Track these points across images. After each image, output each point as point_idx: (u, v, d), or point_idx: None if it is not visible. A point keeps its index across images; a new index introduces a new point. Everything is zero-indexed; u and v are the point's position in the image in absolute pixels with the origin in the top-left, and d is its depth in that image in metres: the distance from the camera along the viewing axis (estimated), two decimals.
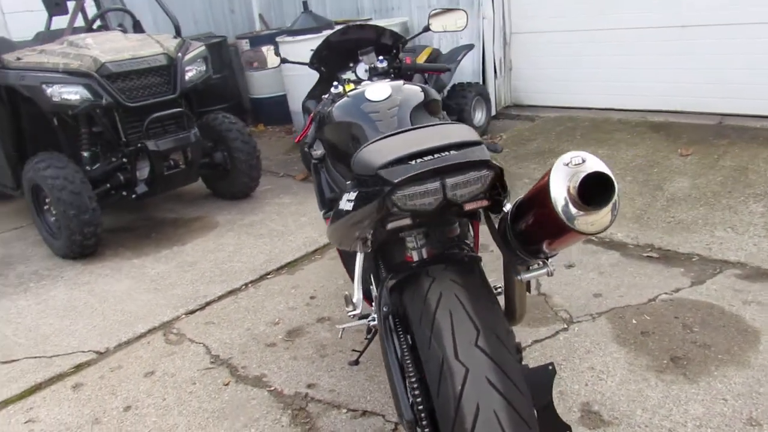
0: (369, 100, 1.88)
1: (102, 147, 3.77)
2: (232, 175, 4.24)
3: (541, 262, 1.36)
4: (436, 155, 1.09)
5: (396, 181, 1.08)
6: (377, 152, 1.18)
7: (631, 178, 3.72)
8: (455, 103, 4.95)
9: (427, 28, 2.46)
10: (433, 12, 2.44)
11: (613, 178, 1.01)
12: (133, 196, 3.76)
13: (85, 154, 3.70)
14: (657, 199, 3.43)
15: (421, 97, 1.91)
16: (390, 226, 1.24)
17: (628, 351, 2.20)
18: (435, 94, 2.06)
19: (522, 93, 5.88)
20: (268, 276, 3.13)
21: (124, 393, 2.28)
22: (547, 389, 1.41)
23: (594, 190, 1.02)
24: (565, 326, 2.40)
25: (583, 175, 1.00)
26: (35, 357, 2.59)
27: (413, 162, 1.10)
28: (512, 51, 5.76)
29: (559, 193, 1.02)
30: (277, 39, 5.38)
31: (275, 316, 2.72)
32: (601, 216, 1.04)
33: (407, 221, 1.22)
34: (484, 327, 1.24)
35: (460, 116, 4.93)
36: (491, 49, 5.56)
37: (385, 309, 1.53)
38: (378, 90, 1.89)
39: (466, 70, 5.58)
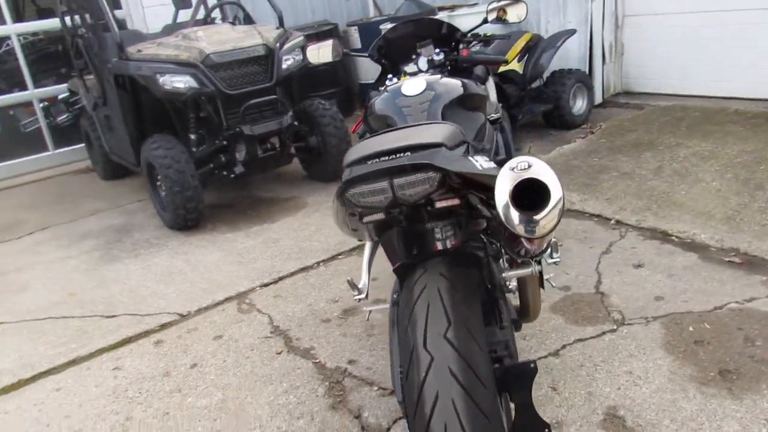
0: (403, 95, 1.95)
1: (207, 130, 4.15)
2: (325, 159, 4.48)
3: (531, 261, 1.38)
4: (392, 156, 1.15)
5: (344, 179, 1.17)
6: (354, 150, 1.27)
7: (731, 176, 3.43)
8: (552, 91, 4.81)
9: (485, 20, 2.47)
10: (491, 7, 2.44)
11: (550, 185, 1.03)
12: (232, 175, 4.12)
13: (192, 136, 4.10)
14: (756, 199, 3.14)
15: (458, 92, 1.95)
16: (365, 219, 1.32)
17: (675, 359, 2.10)
18: (475, 89, 2.08)
19: (633, 79, 5.55)
20: (340, 256, 3.31)
21: (193, 352, 2.57)
22: (526, 386, 1.43)
23: (538, 196, 1.04)
24: (614, 327, 2.33)
25: (518, 180, 1.02)
26: (131, 314, 2.98)
27: (370, 162, 1.17)
28: (624, 34, 5.45)
29: (501, 197, 1.05)
30: (381, 27, 5.52)
31: (336, 295, 2.89)
32: (540, 221, 1.06)
33: (380, 216, 1.30)
34: (456, 320, 1.29)
35: (557, 104, 4.78)
36: (600, 33, 5.30)
37: (394, 296, 1.63)
38: (413, 85, 1.96)
39: (571, 56, 5.38)
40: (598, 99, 5.41)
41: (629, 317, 2.38)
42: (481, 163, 1.28)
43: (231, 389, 2.28)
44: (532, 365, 1.45)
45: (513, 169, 1.08)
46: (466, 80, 2.09)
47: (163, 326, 2.84)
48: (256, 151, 4.04)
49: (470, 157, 1.24)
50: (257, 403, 2.17)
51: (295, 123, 4.25)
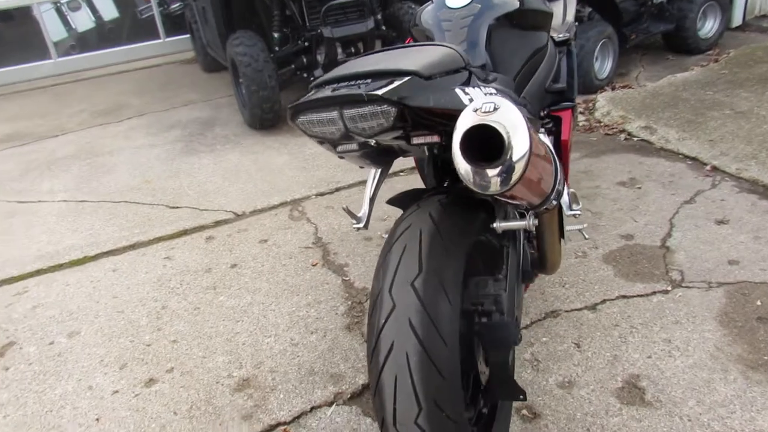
0: (447, 7, 1.74)
1: (291, 30, 4.07)
2: None
3: (525, 213, 1.22)
4: (351, 83, 1.01)
5: (290, 105, 1.05)
6: (332, 71, 1.13)
7: None
8: (677, 8, 4.19)
9: None
10: None
11: (509, 135, 0.85)
12: (312, 78, 4.05)
13: (276, 35, 4.04)
14: None
15: (511, 6, 1.71)
16: (339, 149, 1.21)
17: (726, 334, 1.85)
18: (535, 3, 1.82)
19: None
20: (401, 173, 3.21)
21: (237, 252, 2.65)
22: (504, 345, 1.31)
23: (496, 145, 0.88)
24: (668, 288, 2.09)
25: (471, 125, 0.86)
26: (192, 208, 3.11)
27: (328, 87, 1.04)
28: None
29: (454, 141, 0.89)
30: None
31: (386, 213, 2.82)
32: (492, 177, 0.90)
33: (354, 146, 1.18)
34: (428, 269, 1.18)
35: (680, 25, 4.18)
36: None
37: None
38: None
39: None
40: (737, 20, 4.66)
41: (690, 279, 2.12)
42: (475, 95, 1.10)
43: (260, 294, 2.33)
44: (513, 328, 1.33)
45: (476, 111, 0.91)
46: None
47: (218, 223, 2.94)
48: (336, 55, 3.92)
49: (460, 88, 1.07)
50: (279, 311, 2.21)
51: (382, 28, 4.05)
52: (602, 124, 3.57)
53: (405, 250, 1.22)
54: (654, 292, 2.08)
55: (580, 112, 3.77)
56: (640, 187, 2.79)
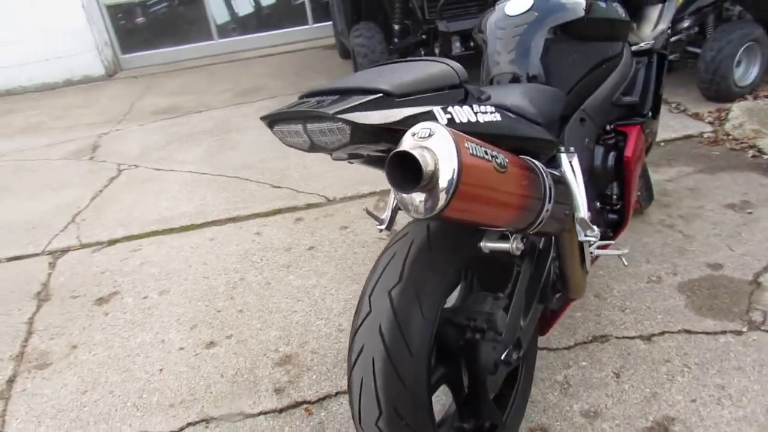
0: (505, 14, 1.72)
1: (412, 22, 4.14)
2: None
3: (509, 236, 1.20)
4: (319, 99, 1.05)
5: (262, 116, 1.11)
6: (321, 85, 1.18)
7: None
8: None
9: None
10: None
11: (434, 161, 0.86)
12: None
13: (396, 27, 4.13)
14: None
15: (572, 14, 1.64)
16: (333, 156, 1.25)
17: None
18: (606, 11, 1.72)
19: None
20: None
21: (318, 236, 2.81)
22: (479, 367, 1.30)
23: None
24: (742, 329, 1.88)
25: (394, 152, 0.88)
26: (291, 189, 3.34)
27: (303, 100, 1.09)
28: None
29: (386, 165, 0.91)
30: None
31: None
32: (419, 201, 0.90)
33: (343, 155, 1.22)
34: (407, 279, 1.21)
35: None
36: None
37: None
38: (519, 2, 1.70)
39: None
40: None
41: None
42: (457, 114, 1.09)
43: (325, 278, 2.47)
44: (491, 351, 1.31)
45: (414, 135, 0.92)
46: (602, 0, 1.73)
47: (309, 206, 3.12)
48: (451, 49, 3.93)
49: (441, 108, 1.07)
50: (336, 297, 2.33)
51: None
52: (730, 137, 3.21)
53: (393, 258, 1.26)
54: (724, 332, 1.89)
55: (709, 122, 3.42)
56: (750, 212, 2.50)
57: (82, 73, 6.66)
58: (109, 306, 2.48)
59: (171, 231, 3.07)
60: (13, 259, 3.00)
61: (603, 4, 1.74)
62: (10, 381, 2.11)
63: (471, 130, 1.10)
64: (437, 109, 1.07)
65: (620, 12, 1.78)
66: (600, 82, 1.77)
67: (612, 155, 1.81)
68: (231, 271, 2.62)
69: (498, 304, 1.37)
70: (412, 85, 1.07)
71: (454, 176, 0.87)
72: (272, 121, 1.11)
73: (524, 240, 1.22)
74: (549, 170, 1.23)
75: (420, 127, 0.92)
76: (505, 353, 1.35)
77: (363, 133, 0.99)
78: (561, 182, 1.27)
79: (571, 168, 1.40)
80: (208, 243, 2.89)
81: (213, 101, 5.28)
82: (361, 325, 1.22)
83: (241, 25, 7.26)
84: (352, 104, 0.98)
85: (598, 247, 1.68)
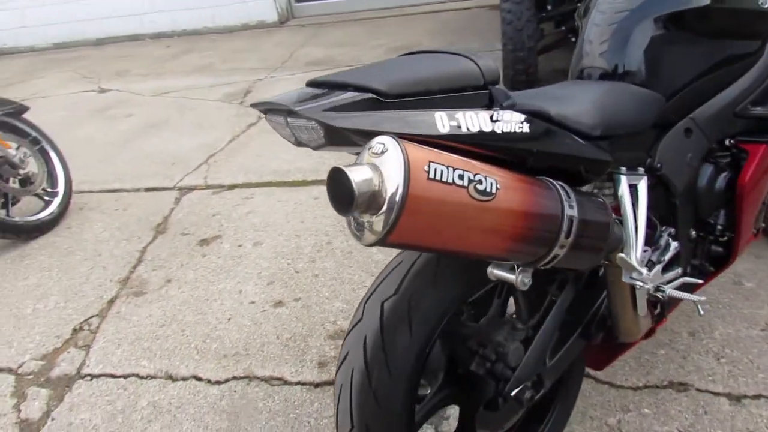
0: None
1: None
2: None
3: (515, 267, 1.04)
4: (320, 91, 0.95)
5: (252, 103, 1.03)
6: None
7: None
8: None
9: None
10: None
11: (360, 181, 0.74)
12: (573, 39, 3.71)
13: None
14: None
15: (689, 2, 1.35)
16: None
17: None
18: (741, 1, 1.39)
19: None
20: None
21: None
22: (470, 400, 1.16)
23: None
24: None
25: (333, 167, 0.77)
26: None
27: (307, 89, 0.99)
28: None
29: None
30: None
31: None
32: (354, 223, 0.80)
33: None
34: (404, 293, 1.12)
35: None
36: None
37: None
38: None
39: None
40: None
41: None
42: (465, 121, 0.94)
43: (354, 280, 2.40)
44: (498, 385, 1.17)
45: (369, 150, 0.81)
46: None
47: None
48: None
49: (446, 112, 0.92)
50: None
51: None
52: None
53: (397, 266, 1.17)
54: None
55: None
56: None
57: (257, 19, 7.08)
58: (208, 248, 2.66)
59: (283, 184, 3.19)
60: (150, 190, 3.34)
61: None
62: (111, 301, 2.37)
63: (484, 141, 0.95)
64: (440, 114, 0.93)
65: (762, 1, 1.43)
66: (720, 87, 1.45)
67: (723, 177, 1.49)
68: (321, 233, 2.65)
69: (515, 334, 1.22)
70: (415, 85, 0.94)
71: (396, 204, 0.76)
72: (266, 109, 1.05)
73: (553, 274, 1.05)
74: (587, 198, 1.04)
75: (376, 141, 0.81)
76: (517, 389, 1.20)
77: (338, 136, 0.90)
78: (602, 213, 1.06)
79: (630, 195, 1.17)
80: (312, 201, 2.96)
81: (364, 56, 5.32)
82: (350, 331, 1.17)
83: None
84: (329, 103, 0.89)
85: (678, 287, 1.42)
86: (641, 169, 1.24)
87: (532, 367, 1.23)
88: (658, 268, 1.38)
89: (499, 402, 1.21)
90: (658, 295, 1.37)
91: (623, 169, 1.20)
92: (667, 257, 1.39)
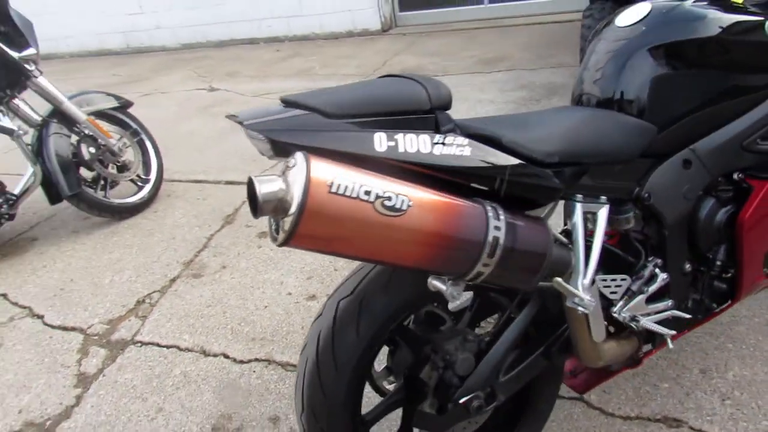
0: (615, 25, 1.49)
1: None
2: None
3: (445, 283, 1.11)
4: (284, 108, 1.06)
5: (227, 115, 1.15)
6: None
7: None
8: None
9: None
10: None
11: (265, 191, 0.86)
12: None
13: None
14: None
15: (693, 32, 1.35)
16: None
17: None
18: (748, 33, 1.37)
19: None
20: None
21: None
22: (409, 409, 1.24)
23: None
24: None
25: (249, 179, 0.90)
26: None
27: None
28: None
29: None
30: None
31: None
32: (271, 226, 0.92)
33: None
34: (358, 294, 1.23)
35: None
36: None
37: None
38: (633, 12, 1.46)
39: None
40: None
41: None
42: (405, 143, 1.03)
43: None
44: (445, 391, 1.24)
45: (286, 163, 0.93)
46: (743, 16, 1.37)
47: None
48: None
49: (385, 133, 1.01)
50: None
51: None
52: None
53: (361, 269, 1.28)
54: None
55: None
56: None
57: (362, 26, 7.36)
58: (264, 240, 2.89)
59: None
60: (230, 183, 3.65)
61: (759, 22, 1.36)
62: (173, 280, 2.66)
63: (422, 161, 1.04)
64: (380, 135, 1.03)
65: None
66: (726, 119, 1.41)
67: (724, 212, 1.44)
68: None
69: (466, 345, 1.28)
70: (359, 106, 1.04)
71: (296, 213, 0.87)
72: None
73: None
74: (524, 221, 1.09)
75: (292, 156, 0.93)
76: (466, 398, 1.27)
77: (283, 149, 1.02)
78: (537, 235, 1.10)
79: (584, 223, 1.20)
80: None
81: (453, 66, 5.40)
82: (312, 324, 1.29)
83: None
84: (277, 120, 1.01)
85: (668, 320, 1.41)
86: (603, 198, 1.26)
87: (483, 379, 1.28)
88: (640, 298, 1.38)
89: (448, 407, 1.28)
90: (633, 324, 1.38)
91: (578, 196, 1.23)
92: (652, 288, 1.39)
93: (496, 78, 4.87)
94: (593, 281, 1.24)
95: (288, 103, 1.07)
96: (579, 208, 1.22)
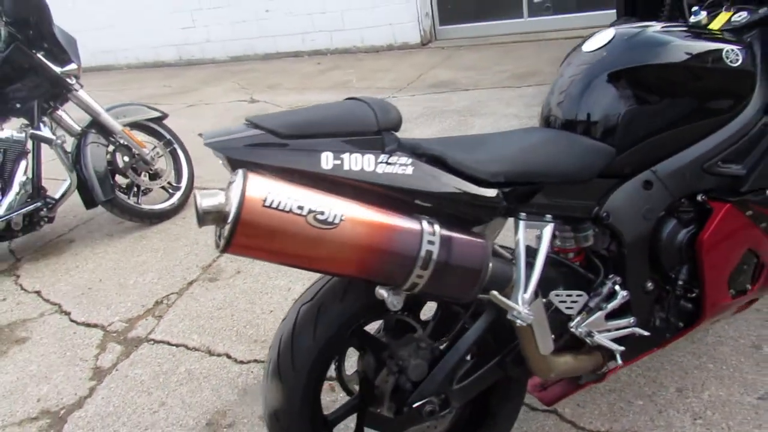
0: (581, 49, 1.55)
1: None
2: None
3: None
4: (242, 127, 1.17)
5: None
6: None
7: None
8: None
9: None
10: None
11: (205, 203, 0.98)
12: None
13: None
14: None
15: (654, 58, 1.39)
16: None
17: None
18: (710, 61, 1.40)
19: None
20: None
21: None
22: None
23: None
24: None
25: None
26: None
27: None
28: None
29: None
30: None
31: None
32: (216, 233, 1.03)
33: None
34: (317, 300, 1.33)
35: None
36: None
37: None
38: (599, 37, 1.51)
39: None
40: None
41: None
42: (351, 162, 1.12)
43: None
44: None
45: (230, 178, 1.03)
46: (706, 43, 1.41)
47: None
48: None
49: (333, 153, 1.11)
50: None
51: None
52: None
53: (323, 277, 1.37)
54: None
55: None
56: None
57: (401, 40, 7.49)
58: None
59: None
60: None
61: (718, 49, 1.39)
62: (190, 283, 2.82)
63: (365, 179, 1.12)
64: (327, 154, 1.12)
65: (752, 62, 1.39)
66: (688, 141, 1.44)
67: (685, 232, 1.47)
68: None
69: (419, 352, 1.35)
70: (309, 127, 1.14)
71: (232, 224, 0.98)
72: None
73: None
74: (463, 236, 1.16)
75: (236, 172, 1.03)
76: (419, 403, 1.34)
77: (239, 166, 1.13)
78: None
79: (524, 240, 1.25)
80: None
81: (485, 81, 5.44)
82: (280, 324, 1.39)
83: (556, 4, 7.09)
84: (233, 139, 1.12)
85: (630, 337, 1.45)
86: (549, 216, 1.31)
87: (436, 386, 1.35)
88: (600, 314, 1.43)
89: (404, 410, 1.35)
90: (587, 340, 1.42)
91: (522, 214, 1.29)
92: (611, 305, 1.43)
93: (525, 93, 4.89)
94: (539, 295, 1.29)
95: (250, 123, 1.17)
96: (522, 226, 1.28)
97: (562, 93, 1.49)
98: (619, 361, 1.44)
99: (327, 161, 1.12)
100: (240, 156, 1.09)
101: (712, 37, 1.47)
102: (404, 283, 1.13)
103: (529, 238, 1.37)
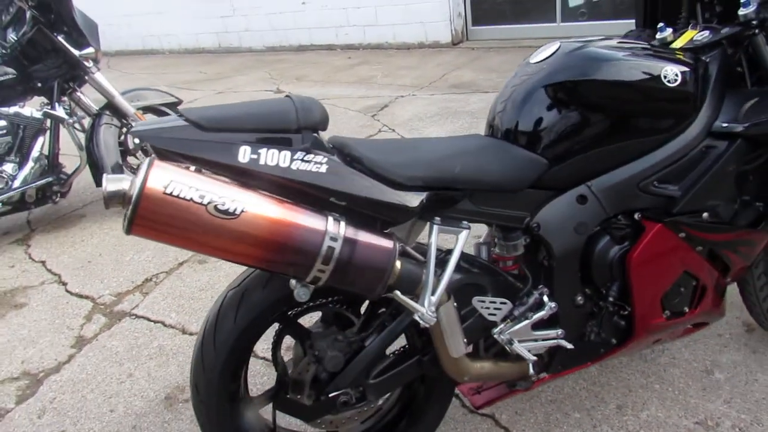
0: (527, 61, 1.58)
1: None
2: None
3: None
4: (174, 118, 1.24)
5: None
6: None
7: None
8: None
9: None
10: None
11: (106, 188, 1.05)
12: None
13: None
14: None
15: (581, 73, 1.42)
16: None
17: None
18: (650, 80, 1.40)
19: None
20: None
21: None
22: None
23: None
24: None
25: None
26: None
27: None
28: None
29: None
30: None
31: None
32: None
33: None
34: (243, 286, 1.39)
35: None
36: None
37: None
38: (544, 50, 1.54)
39: None
40: None
41: None
42: (267, 157, 1.18)
43: None
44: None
45: (140, 164, 1.10)
46: (648, 61, 1.41)
47: None
48: None
49: (250, 146, 1.16)
50: None
51: None
52: None
53: None
54: None
55: None
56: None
57: (432, 39, 7.49)
58: None
59: None
60: None
61: (657, 68, 1.39)
62: (180, 264, 2.94)
63: (279, 175, 1.18)
64: (245, 148, 1.18)
65: (678, 81, 1.38)
66: (626, 158, 1.45)
67: (617, 249, 1.47)
68: None
69: (335, 345, 1.40)
70: (230, 121, 1.20)
71: (132, 208, 1.05)
72: None
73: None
74: (370, 235, 1.21)
75: (145, 159, 1.10)
76: (334, 393, 1.39)
77: (163, 154, 1.20)
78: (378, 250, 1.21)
79: (435, 243, 1.29)
80: None
81: (501, 84, 5.40)
82: (211, 308, 1.46)
83: (591, 10, 6.97)
84: (160, 129, 1.19)
85: (559, 348, 1.47)
86: (465, 222, 1.34)
87: (352, 378, 1.40)
88: (525, 323, 1.45)
89: (321, 399, 1.41)
90: (507, 347, 1.45)
91: (437, 219, 1.32)
92: (537, 316, 1.45)
93: None
94: (451, 298, 1.33)
95: (179, 114, 1.24)
96: (435, 231, 1.31)
97: (503, 102, 1.52)
98: (531, 371, 1.46)
99: (244, 155, 1.18)
100: (162, 145, 1.16)
101: (658, 55, 1.47)
102: (306, 276, 1.18)
103: (470, 243, 1.41)
